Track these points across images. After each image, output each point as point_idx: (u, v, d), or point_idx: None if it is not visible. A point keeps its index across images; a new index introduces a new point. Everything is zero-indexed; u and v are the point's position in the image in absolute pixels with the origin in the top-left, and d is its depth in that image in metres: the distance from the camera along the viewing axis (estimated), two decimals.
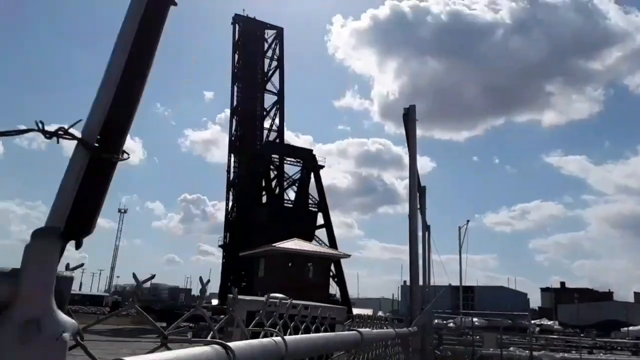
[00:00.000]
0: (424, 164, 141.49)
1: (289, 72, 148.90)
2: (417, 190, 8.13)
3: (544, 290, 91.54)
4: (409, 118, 7.81)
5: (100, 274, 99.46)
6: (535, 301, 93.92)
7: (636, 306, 75.02)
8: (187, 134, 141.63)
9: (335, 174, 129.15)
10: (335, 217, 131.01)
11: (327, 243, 53.88)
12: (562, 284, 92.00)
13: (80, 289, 65.79)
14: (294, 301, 1.91)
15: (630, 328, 51.95)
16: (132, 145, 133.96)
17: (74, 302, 51.60)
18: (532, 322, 63.83)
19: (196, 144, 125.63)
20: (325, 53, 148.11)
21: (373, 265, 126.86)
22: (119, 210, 68.88)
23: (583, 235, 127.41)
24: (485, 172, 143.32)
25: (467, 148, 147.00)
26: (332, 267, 53.54)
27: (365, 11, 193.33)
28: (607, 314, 70.75)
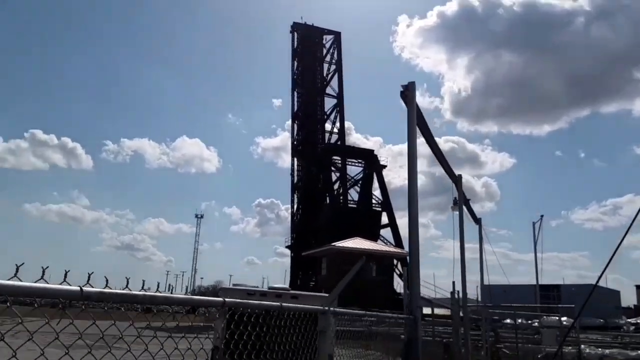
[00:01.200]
0: (503, 160, 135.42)
1: (355, 76, 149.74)
2: (415, 176, 7.43)
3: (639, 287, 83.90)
4: (408, 96, 7.25)
5: (182, 275, 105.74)
6: (630, 299, 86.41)
7: None
8: (258, 142, 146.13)
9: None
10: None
11: (393, 242, 53.59)
12: None
13: (170, 291, 70.63)
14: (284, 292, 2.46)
15: None
16: (208, 154, 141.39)
17: None
18: (627, 320, 58.97)
19: (267, 151, 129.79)
20: (392, 54, 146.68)
21: (451, 266, 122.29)
22: (196, 216, 73.32)
23: None
24: (571, 166, 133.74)
25: (550, 142, 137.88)
26: (399, 266, 53.21)
27: (432, 9, 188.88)
28: None
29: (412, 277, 6.18)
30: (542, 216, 46.20)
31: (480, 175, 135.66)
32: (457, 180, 14.12)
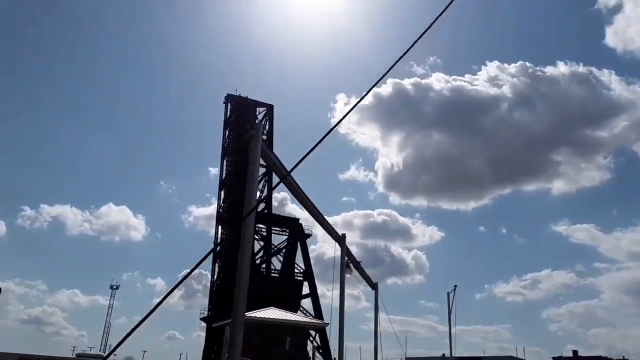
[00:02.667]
0: (432, 233, 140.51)
1: (292, 148, 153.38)
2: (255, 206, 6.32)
3: (556, 359, 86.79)
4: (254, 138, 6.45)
5: (90, 351, 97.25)
6: None
7: None
8: (190, 210, 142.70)
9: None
10: (338, 291, 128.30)
11: (313, 313, 53.00)
12: (575, 352, 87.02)
13: None
14: None
15: None
16: (135, 222, 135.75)
17: None
18: None
19: (199, 219, 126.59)
20: (329, 128, 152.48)
21: (383, 338, 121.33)
22: (111, 287, 68.95)
23: (597, 303, 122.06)
24: (494, 241, 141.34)
25: (475, 218, 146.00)
26: (318, 339, 52.26)
27: (366, 89, 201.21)
28: None
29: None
30: (455, 286, 47.64)
31: (411, 247, 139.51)
32: (340, 239, 14.68)
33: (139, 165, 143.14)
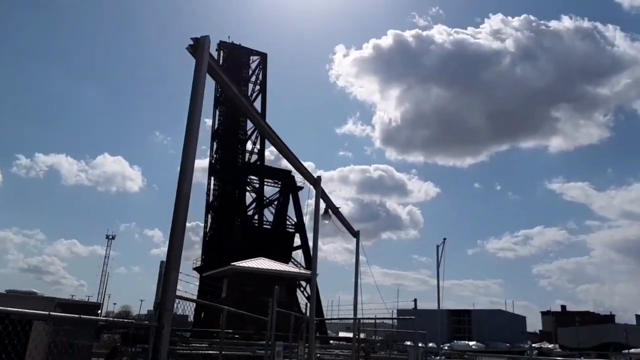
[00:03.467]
0: (428, 189, 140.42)
1: (290, 101, 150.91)
2: (193, 151, 5.64)
3: (545, 313, 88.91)
4: (198, 51, 5.62)
5: (88, 300, 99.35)
6: (536, 325, 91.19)
7: (637, 329, 72.11)
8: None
9: (337, 201, 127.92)
10: (337, 244, 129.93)
11: (304, 264, 53.36)
12: (563, 307, 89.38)
13: None
14: None
15: (631, 350, 50.13)
16: (132, 173, 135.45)
17: None
18: (532, 345, 61.81)
19: (196, 171, 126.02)
20: (327, 81, 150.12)
21: (374, 292, 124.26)
22: (107, 237, 69.22)
23: (587, 260, 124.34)
24: (488, 198, 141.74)
25: (471, 174, 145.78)
26: (309, 289, 52.89)
27: (367, 41, 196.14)
28: (608, 337, 68.55)
29: (168, 273, 4.76)
30: (444, 239, 47.41)
31: (406, 203, 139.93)
32: (316, 181, 13.83)
33: (133, 116, 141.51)
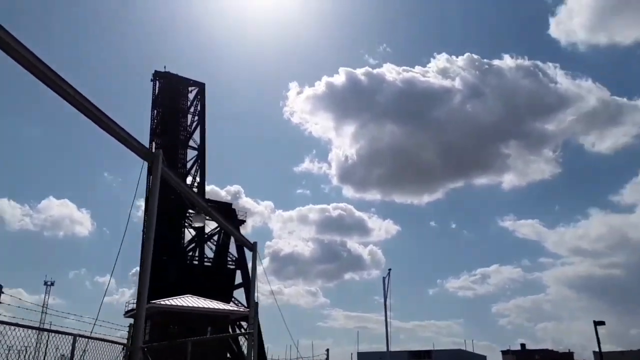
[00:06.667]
0: (389, 227, 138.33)
1: (245, 139, 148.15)
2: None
3: (505, 352, 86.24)
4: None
5: (25, 353, 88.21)
6: None
7: None
8: (139, 204, 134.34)
9: (297, 242, 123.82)
10: (298, 287, 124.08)
11: (246, 304, 48.41)
12: (523, 345, 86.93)
13: None
14: None
15: None
16: (79, 216, 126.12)
17: None
18: None
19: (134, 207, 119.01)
20: (282, 118, 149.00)
21: (337, 335, 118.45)
22: (45, 283, 59.88)
23: (543, 297, 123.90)
24: (444, 236, 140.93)
25: (428, 212, 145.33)
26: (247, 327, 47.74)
27: (320, 79, 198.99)
28: None
29: None
30: (389, 270, 44.30)
31: (367, 242, 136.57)
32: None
33: (78, 155, 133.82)
